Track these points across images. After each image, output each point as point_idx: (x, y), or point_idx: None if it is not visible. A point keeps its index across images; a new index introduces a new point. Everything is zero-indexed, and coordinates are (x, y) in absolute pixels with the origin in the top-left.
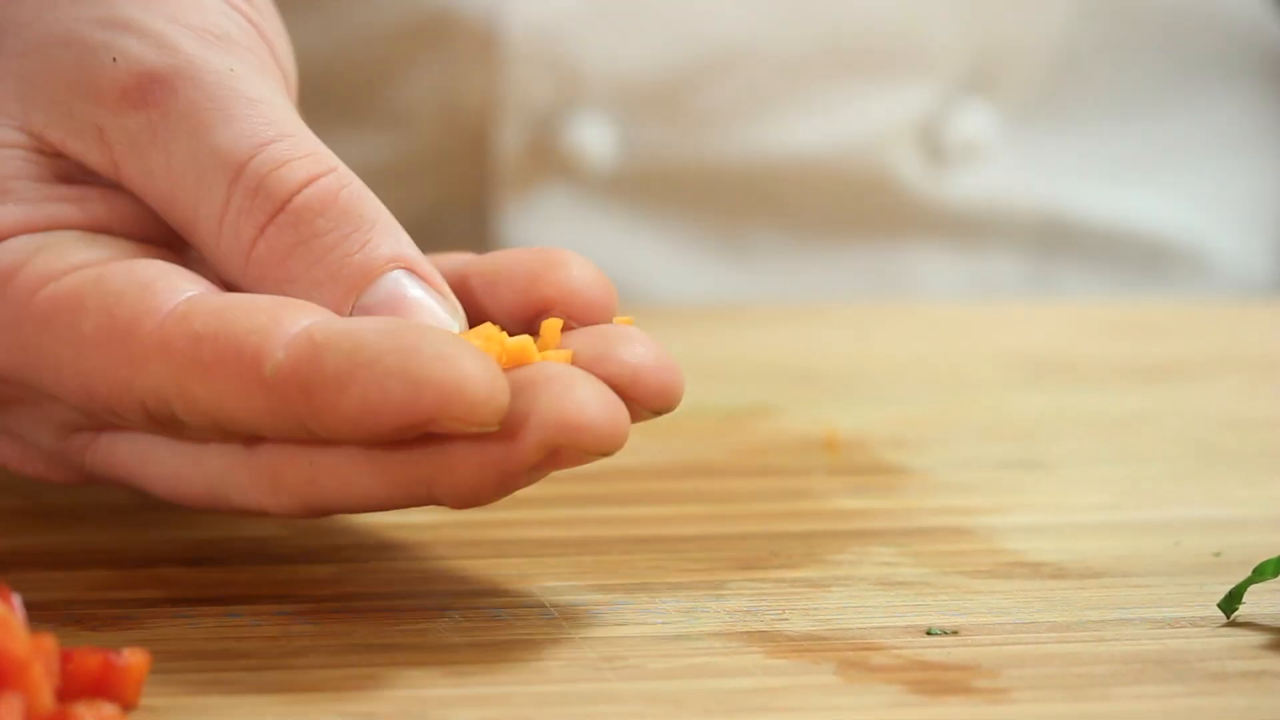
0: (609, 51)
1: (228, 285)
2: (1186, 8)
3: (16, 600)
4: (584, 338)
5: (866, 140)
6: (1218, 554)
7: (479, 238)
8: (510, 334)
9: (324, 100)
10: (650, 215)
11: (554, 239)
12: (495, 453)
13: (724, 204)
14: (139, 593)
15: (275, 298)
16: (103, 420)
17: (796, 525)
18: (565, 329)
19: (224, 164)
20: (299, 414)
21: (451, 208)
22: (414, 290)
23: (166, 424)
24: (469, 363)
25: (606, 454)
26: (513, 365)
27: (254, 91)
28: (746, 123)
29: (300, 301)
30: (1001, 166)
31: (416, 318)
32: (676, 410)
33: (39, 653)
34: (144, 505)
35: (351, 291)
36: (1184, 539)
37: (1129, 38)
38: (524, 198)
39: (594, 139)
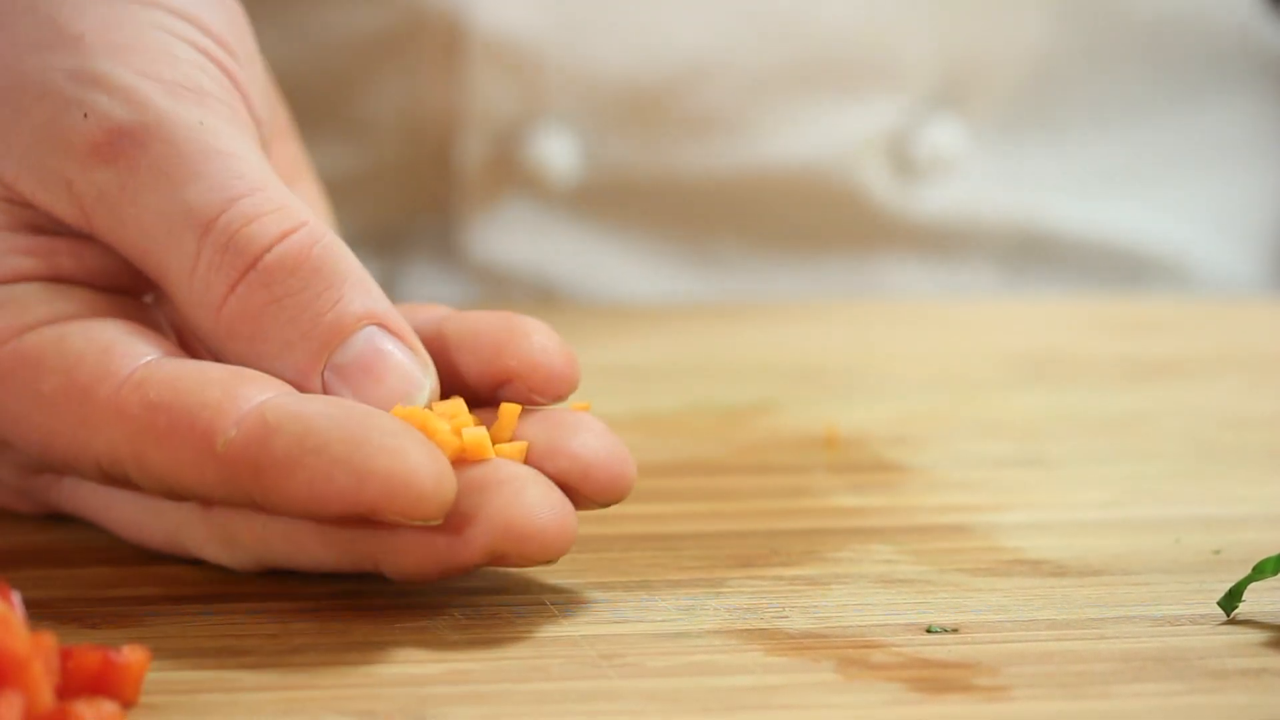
0: (574, 63)
1: (189, 340)
2: (1171, 17)
3: (16, 598)
4: (539, 425)
5: (835, 154)
6: (1217, 552)
7: (444, 248)
8: (472, 399)
9: (288, 111)
10: (616, 228)
11: (518, 251)
12: (441, 547)
13: (691, 218)
14: (138, 590)
15: (230, 369)
16: (62, 471)
17: (796, 523)
18: (525, 403)
19: (194, 220)
20: (248, 490)
21: (416, 218)
22: (386, 345)
23: (121, 483)
24: (415, 456)
25: (551, 561)
26: (469, 459)
27: (225, 145)
28: (714, 136)
29: (255, 374)
30: (974, 179)
31: (389, 374)
32: (676, 407)
33: (39, 650)
34: None
35: (324, 350)
36: (1184, 537)
37: (1109, 48)
38: (488, 209)
39: (558, 151)
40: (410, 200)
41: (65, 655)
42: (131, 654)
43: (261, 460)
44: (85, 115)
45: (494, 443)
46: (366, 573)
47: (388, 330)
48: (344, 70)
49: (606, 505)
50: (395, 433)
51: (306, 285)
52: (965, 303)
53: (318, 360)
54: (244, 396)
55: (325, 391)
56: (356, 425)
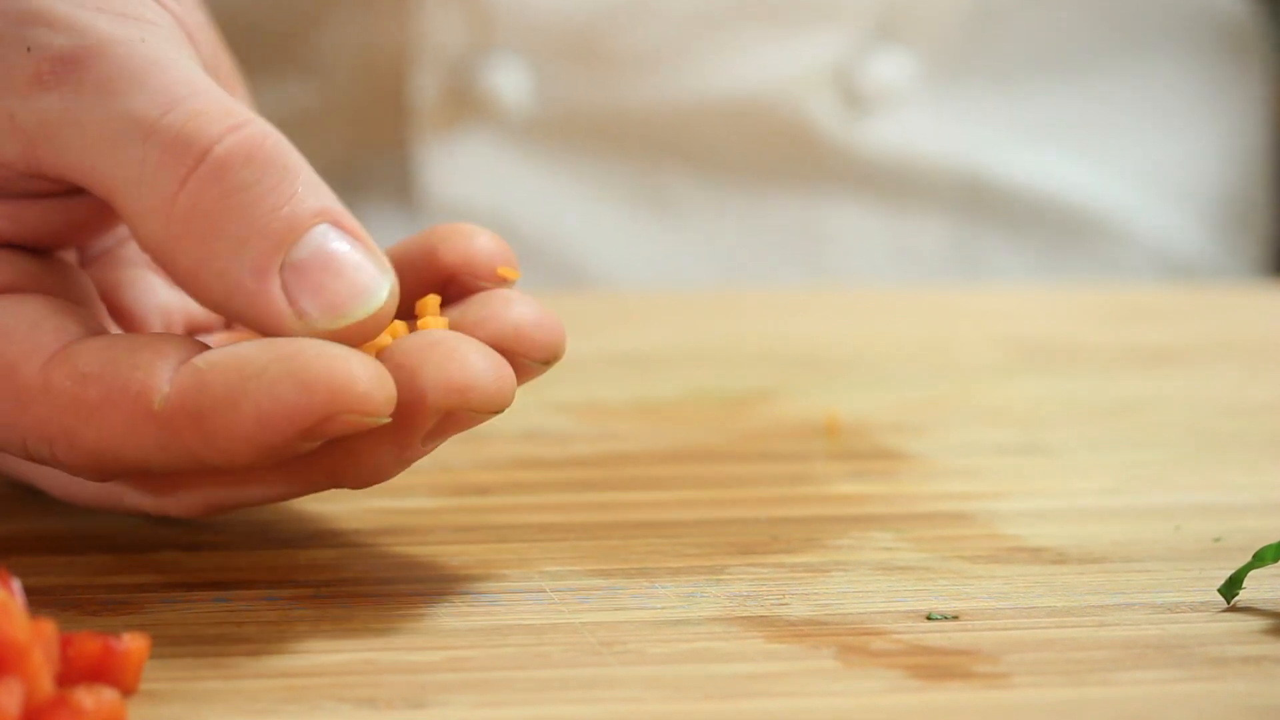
0: None
1: (119, 305)
2: None
3: (16, 585)
4: (470, 303)
5: (781, 86)
6: (1218, 539)
7: (401, 184)
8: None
9: (243, 50)
10: (570, 160)
11: (474, 187)
12: (391, 427)
13: (643, 150)
14: (138, 577)
15: (157, 334)
16: None
17: (796, 510)
18: (455, 298)
19: (138, 125)
20: (191, 445)
21: (373, 154)
22: (341, 244)
23: (45, 463)
24: (353, 358)
25: (496, 411)
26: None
27: (166, 57)
28: (662, 67)
29: (180, 336)
30: (921, 118)
31: (346, 272)
32: (676, 395)
33: (39, 638)
34: None
35: (279, 247)
36: (1184, 524)
37: None
38: (444, 143)
39: (509, 82)
40: (368, 138)
41: (65, 642)
42: (131, 641)
43: (202, 405)
44: (28, 49)
45: (419, 326)
46: (321, 491)
47: (342, 229)
48: (298, 9)
49: (544, 364)
50: (323, 343)
51: (260, 178)
52: (965, 289)
53: (274, 256)
54: (174, 353)
55: (284, 291)
56: (284, 347)
